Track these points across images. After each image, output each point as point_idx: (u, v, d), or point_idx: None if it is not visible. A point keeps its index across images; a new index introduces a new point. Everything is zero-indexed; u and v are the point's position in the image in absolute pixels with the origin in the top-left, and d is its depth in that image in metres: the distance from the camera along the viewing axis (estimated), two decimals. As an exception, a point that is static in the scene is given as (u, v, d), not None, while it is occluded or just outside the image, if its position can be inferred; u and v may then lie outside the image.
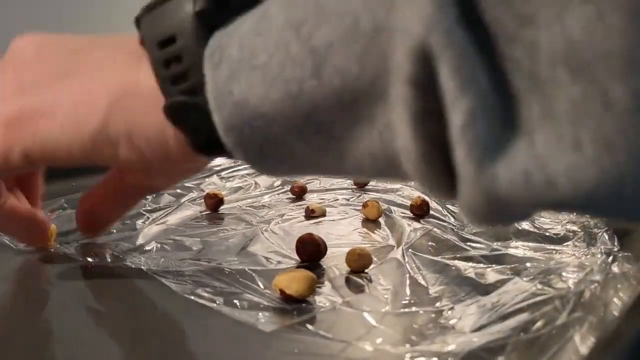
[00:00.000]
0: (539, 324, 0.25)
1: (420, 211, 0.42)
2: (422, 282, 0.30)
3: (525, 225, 0.40)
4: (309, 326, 0.24)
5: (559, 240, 0.37)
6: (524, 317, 0.26)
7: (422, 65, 0.15)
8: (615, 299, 0.28)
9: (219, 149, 0.21)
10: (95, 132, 0.22)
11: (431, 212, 0.43)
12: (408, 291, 0.29)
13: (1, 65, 0.25)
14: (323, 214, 0.42)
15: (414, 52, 0.15)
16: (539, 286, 0.29)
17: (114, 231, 0.37)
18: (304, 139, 0.19)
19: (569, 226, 0.40)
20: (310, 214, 0.42)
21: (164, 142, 0.22)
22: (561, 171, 0.14)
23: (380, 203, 0.42)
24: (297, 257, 0.33)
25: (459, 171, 0.15)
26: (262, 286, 0.28)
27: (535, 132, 0.14)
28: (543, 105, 0.14)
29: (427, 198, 0.44)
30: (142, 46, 0.22)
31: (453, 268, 0.32)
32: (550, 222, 0.41)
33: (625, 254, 0.34)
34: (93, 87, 0.23)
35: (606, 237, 0.37)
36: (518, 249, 0.35)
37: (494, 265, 0.31)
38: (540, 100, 0.14)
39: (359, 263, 0.31)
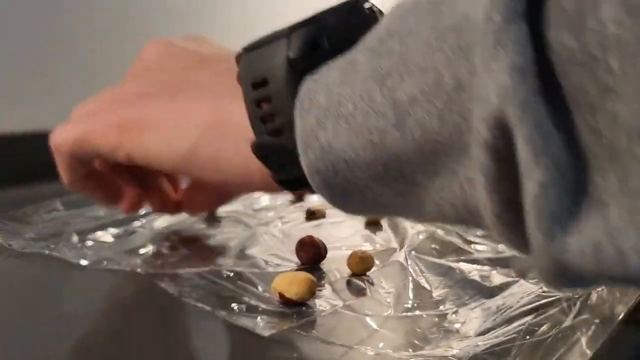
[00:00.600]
0: (544, 327, 0.24)
1: None
2: (425, 285, 0.29)
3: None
4: (309, 330, 0.24)
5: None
6: (529, 320, 0.25)
7: (499, 134, 0.15)
8: (621, 301, 0.27)
9: (302, 185, 0.22)
10: (186, 152, 0.25)
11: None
12: (411, 294, 0.28)
13: (130, 71, 0.30)
14: (323, 216, 0.41)
15: (491, 121, 0.15)
16: (545, 289, 0.28)
17: (110, 234, 0.36)
18: (386, 184, 0.20)
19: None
20: (310, 216, 0.41)
21: (248, 172, 0.24)
22: (632, 246, 0.14)
23: None
24: (297, 260, 0.32)
25: (530, 238, 0.15)
26: (260, 289, 0.28)
27: (610, 204, 0.14)
28: (620, 178, 0.14)
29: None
30: (238, 81, 0.24)
31: (457, 271, 0.31)
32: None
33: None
34: (192, 110, 0.26)
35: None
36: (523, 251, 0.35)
37: (498, 268, 0.31)
38: (618, 172, 0.14)
39: (360, 266, 0.30)
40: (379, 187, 0.20)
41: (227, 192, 0.34)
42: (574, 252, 0.15)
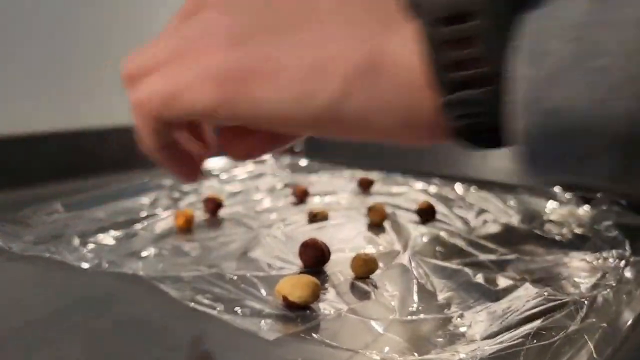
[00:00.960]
0: (551, 331, 0.24)
1: (426, 215, 0.41)
2: (430, 288, 0.29)
3: (534, 229, 0.39)
4: (313, 334, 0.23)
5: (569, 244, 0.36)
6: (535, 323, 0.25)
7: None
8: (628, 305, 0.27)
9: (486, 142, 0.19)
10: (326, 106, 0.19)
11: (437, 216, 0.42)
12: (415, 298, 0.28)
13: (203, 3, 0.22)
14: (325, 218, 0.41)
15: None
16: (551, 291, 0.28)
17: (111, 236, 0.36)
18: (635, 160, 0.16)
19: (578, 230, 0.39)
20: (312, 218, 0.41)
21: (412, 125, 0.19)
22: None
23: (385, 206, 0.41)
24: (300, 263, 0.32)
25: None
26: (264, 293, 0.27)
27: None
28: None
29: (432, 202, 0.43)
30: (405, 12, 0.19)
31: (462, 274, 0.31)
32: (558, 226, 0.40)
33: (638, 258, 0.33)
34: (328, 52, 0.19)
35: (617, 241, 0.36)
36: (528, 253, 0.34)
37: (503, 271, 0.30)
38: None
39: (364, 269, 0.30)
40: (622, 162, 0.16)
41: (283, 137, 0.25)
42: None
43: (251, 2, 0.21)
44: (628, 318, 0.26)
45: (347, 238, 0.37)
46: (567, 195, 0.47)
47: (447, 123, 0.19)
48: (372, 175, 0.56)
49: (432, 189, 0.52)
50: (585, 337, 0.24)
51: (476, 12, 0.17)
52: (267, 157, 0.69)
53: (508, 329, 0.24)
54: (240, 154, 0.26)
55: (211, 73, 0.20)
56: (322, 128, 0.20)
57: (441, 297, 0.28)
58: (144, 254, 0.33)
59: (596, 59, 0.15)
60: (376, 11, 0.19)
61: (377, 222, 0.40)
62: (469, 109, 0.18)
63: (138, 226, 0.38)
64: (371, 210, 0.40)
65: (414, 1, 0.18)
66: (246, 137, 0.25)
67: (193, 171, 0.26)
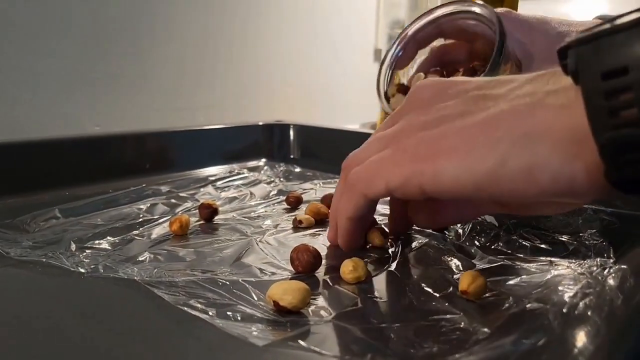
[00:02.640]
0: (533, 338, 0.25)
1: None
2: (419, 295, 0.29)
3: (520, 237, 0.40)
4: (302, 342, 0.24)
5: (554, 252, 0.37)
6: (517, 332, 0.25)
7: None
8: (610, 312, 0.28)
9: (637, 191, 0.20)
10: (492, 166, 0.23)
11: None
12: (403, 304, 0.28)
13: (405, 107, 0.29)
14: (311, 225, 0.42)
15: None
16: (535, 301, 0.29)
17: (107, 242, 0.37)
18: None
19: (563, 238, 0.40)
20: (298, 225, 0.42)
21: (571, 175, 0.22)
22: None
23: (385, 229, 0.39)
24: (291, 269, 0.33)
25: None
26: (255, 298, 0.28)
27: None
28: None
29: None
30: (572, 79, 0.22)
31: (449, 281, 0.32)
32: (545, 233, 0.41)
33: (622, 266, 0.34)
34: (495, 120, 0.23)
35: (601, 249, 0.37)
36: (514, 260, 0.35)
37: (491, 278, 0.31)
38: None
39: (354, 275, 0.31)
40: None
41: (469, 209, 0.32)
42: None
43: (432, 102, 0.27)
44: (609, 325, 0.27)
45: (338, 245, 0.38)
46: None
47: (605, 167, 0.20)
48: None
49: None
50: (567, 345, 0.25)
51: (633, 65, 0.19)
52: (261, 164, 0.70)
53: (491, 336, 0.25)
54: (424, 224, 0.36)
55: (405, 154, 0.26)
56: (497, 184, 0.23)
57: (429, 304, 0.28)
58: (139, 259, 0.34)
59: None
60: (539, 93, 0.23)
61: (377, 244, 0.38)
62: (630, 153, 0.20)
63: (134, 232, 0.39)
64: (373, 232, 0.38)
65: (572, 66, 0.21)
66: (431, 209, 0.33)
67: (357, 243, 0.34)
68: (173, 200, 0.48)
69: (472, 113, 0.25)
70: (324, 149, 0.72)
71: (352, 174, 0.29)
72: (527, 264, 0.35)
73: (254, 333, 0.24)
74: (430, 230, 0.42)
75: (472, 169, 0.24)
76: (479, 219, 0.45)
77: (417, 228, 0.42)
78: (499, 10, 0.42)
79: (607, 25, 0.21)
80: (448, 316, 0.27)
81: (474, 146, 0.24)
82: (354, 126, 1.04)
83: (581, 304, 0.28)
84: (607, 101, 0.20)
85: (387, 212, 0.40)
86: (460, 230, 0.42)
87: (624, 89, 0.19)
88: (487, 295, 0.30)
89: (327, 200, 0.49)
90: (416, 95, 0.29)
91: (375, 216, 0.42)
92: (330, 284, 0.31)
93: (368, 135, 0.34)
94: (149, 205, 0.46)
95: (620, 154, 0.20)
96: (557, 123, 0.22)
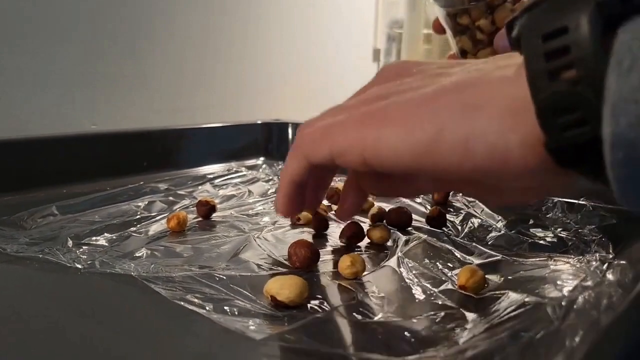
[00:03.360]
0: (531, 331, 0.25)
1: (437, 222, 0.42)
2: (416, 291, 0.29)
3: (518, 233, 0.40)
4: (300, 334, 0.24)
5: (553, 248, 0.37)
6: (517, 324, 0.25)
7: None
8: (608, 307, 0.28)
9: (576, 161, 0.19)
10: (430, 139, 0.23)
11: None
12: (401, 299, 0.28)
13: (369, 83, 0.29)
14: (309, 222, 0.42)
15: None
16: (533, 295, 0.29)
17: (105, 239, 0.37)
18: None
19: (563, 234, 0.40)
20: (295, 222, 0.42)
21: (506, 147, 0.21)
22: None
23: (388, 228, 0.39)
24: (289, 264, 0.32)
25: None
26: (252, 292, 0.28)
27: None
28: None
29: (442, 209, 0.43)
30: (517, 47, 0.21)
31: (448, 277, 0.31)
32: (543, 230, 0.41)
33: (621, 261, 0.34)
34: (438, 94, 0.23)
35: (600, 245, 0.37)
36: (512, 256, 0.35)
37: (489, 274, 0.31)
38: None
39: (352, 270, 0.31)
40: None
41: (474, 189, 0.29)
42: None
43: (391, 80, 0.27)
44: (608, 319, 0.27)
45: (336, 240, 0.38)
46: (553, 201, 0.47)
47: (544, 134, 0.20)
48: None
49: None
50: (565, 338, 0.24)
51: (570, 26, 0.19)
52: (259, 162, 0.70)
53: (489, 330, 0.25)
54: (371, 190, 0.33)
55: (353, 120, 0.26)
56: (434, 157, 0.23)
57: (426, 299, 0.28)
58: (136, 255, 0.33)
59: None
60: (486, 70, 0.23)
61: (377, 241, 0.38)
62: (563, 110, 0.19)
63: (132, 229, 0.39)
64: (375, 228, 0.38)
65: (518, 32, 0.21)
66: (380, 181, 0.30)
67: (294, 211, 0.32)
68: (171, 198, 0.48)
69: (424, 87, 0.25)
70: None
71: (299, 136, 0.29)
72: (526, 260, 0.34)
73: (251, 327, 0.24)
74: (428, 227, 0.42)
75: (410, 138, 0.23)
76: (477, 214, 0.45)
77: (415, 224, 0.42)
78: None
79: None
80: (447, 311, 0.27)
81: (415, 116, 0.23)
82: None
83: (580, 298, 0.28)
84: (547, 63, 0.19)
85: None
86: (459, 227, 0.42)
87: (563, 50, 0.19)
88: (485, 290, 0.29)
89: (329, 192, 0.49)
90: (382, 73, 0.30)
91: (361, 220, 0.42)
92: (328, 279, 0.31)
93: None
94: (146, 202, 0.46)
95: (559, 116, 0.19)
96: (498, 95, 0.21)
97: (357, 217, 0.44)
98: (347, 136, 0.26)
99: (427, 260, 0.34)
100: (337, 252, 0.36)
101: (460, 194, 0.51)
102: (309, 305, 0.27)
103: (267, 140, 0.74)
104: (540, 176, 0.22)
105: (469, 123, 0.22)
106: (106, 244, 0.35)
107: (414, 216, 0.42)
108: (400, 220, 0.41)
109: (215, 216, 0.43)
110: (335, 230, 0.40)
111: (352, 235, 0.37)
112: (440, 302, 0.28)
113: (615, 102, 0.17)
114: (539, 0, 0.21)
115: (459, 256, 0.35)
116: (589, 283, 0.30)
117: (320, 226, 0.40)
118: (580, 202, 0.46)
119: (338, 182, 0.54)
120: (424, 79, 0.26)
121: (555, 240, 0.39)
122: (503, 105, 0.21)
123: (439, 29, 0.47)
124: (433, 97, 0.23)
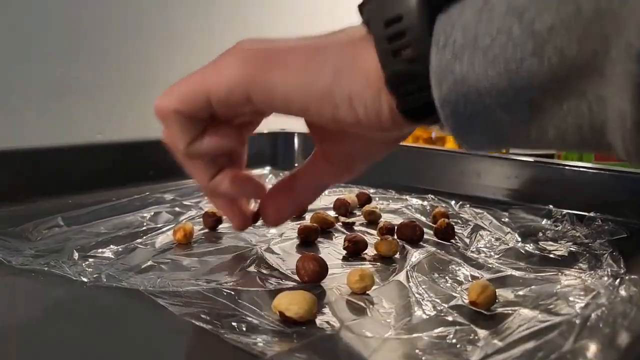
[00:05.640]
0: (544, 351, 0.24)
1: (445, 234, 0.41)
2: (426, 306, 0.29)
3: (528, 246, 0.40)
4: (309, 352, 0.24)
5: (564, 262, 0.37)
6: (529, 345, 0.25)
7: None
8: (622, 324, 0.27)
9: (425, 117, 0.24)
10: (321, 92, 0.25)
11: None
12: (411, 315, 0.28)
13: (230, 50, 0.28)
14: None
15: None
16: (545, 312, 0.28)
17: (111, 251, 0.36)
18: (512, 111, 0.22)
19: (573, 248, 0.39)
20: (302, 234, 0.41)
21: (379, 108, 0.25)
22: None
23: (396, 240, 0.39)
24: (297, 278, 0.32)
25: None
26: (261, 308, 0.28)
27: None
28: None
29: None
30: (366, 28, 0.25)
31: (458, 292, 0.31)
32: (553, 243, 0.41)
33: (632, 276, 0.33)
34: (322, 59, 0.26)
35: (611, 259, 0.36)
36: (522, 270, 0.35)
37: (499, 288, 0.31)
38: None
39: (360, 284, 0.30)
40: (504, 114, 0.22)
41: (354, 156, 0.32)
42: None
43: (259, 44, 0.27)
44: (622, 338, 0.26)
45: (344, 254, 0.37)
46: (562, 213, 0.47)
47: (393, 96, 0.24)
48: (368, 191, 0.56)
49: (427, 205, 0.52)
50: (580, 357, 0.24)
51: (404, 14, 0.23)
52: (266, 172, 0.69)
53: (502, 350, 0.24)
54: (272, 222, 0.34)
55: (232, 60, 0.26)
56: (326, 107, 0.26)
57: (437, 315, 0.28)
58: (143, 268, 0.33)
59: (477, 42, 0.21)
60: (353, 39, 0.26)
61: (385, 254, 0.37)
62: (406, 82, 0.24)
63: (138, 240, 0.38)
64: (382, 240, 0.38)
65: (368, 13, 0.25)
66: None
67: (205, 179, 0.33)
68: (177, 209, 0.48)
69: (305, 40, 0.27)
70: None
71: (159, 98, 0.28)
72: (537, 274, 0.34)
73: (260, 344, 0.24)
74: (437, 240, 0.41)
75: (303, 88, 0.26)
76: (485, 226, 0.44)
77: (425, 236, 0.41)
78: None
79: None
80: (457, 327, 0.26)
81: (309, 67, 0.26)
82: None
83: (593, 316, 0.28)
84: (390, 44, 0.24)
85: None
86: (467, 239, 0.41)
87: (401, 34, 0.23)
88: (496, 305, 0.29)
89: (337, 203, 0.49)
90: (241, 43, 0.28)
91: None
92: (337, 293, 0.30)
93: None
94: (152, 213, 0.46)
95: (401, 85, 0.24)
96: (369, 60, 0.24)
97: (364, 229, 0.44)
98: (231, 75, 0.26)
99: (436, 275, 0.34)
100: (346, 266, 0.35)
101: (468, 205, 0.51)
102: (317, 322, 0.27)
103: (274, 149, 0.73)
104: (404, 128, 0.27)
105: (353, 82, 0.25)
106: (112, 257, 0.35)
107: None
108: (414, 234, 0.41)
109: (221, 227, 0.43)
110: (341, 242, 0.39)
111: (353, 239, 0.37)
112: (451, 319, 0.27)
113: (437, 72, 0.22)
114: None
115: (468, 270, 0.35)
116: (603, 300, 0.30)
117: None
118: (590, 214, 0.46)
119: (345, 194, 0.54)
120: (287, 42, 0.27)
121: (565, 254, 0.38)
122: (370, 75, 0.25)
123: None
124: (321, 50, 0.26)
